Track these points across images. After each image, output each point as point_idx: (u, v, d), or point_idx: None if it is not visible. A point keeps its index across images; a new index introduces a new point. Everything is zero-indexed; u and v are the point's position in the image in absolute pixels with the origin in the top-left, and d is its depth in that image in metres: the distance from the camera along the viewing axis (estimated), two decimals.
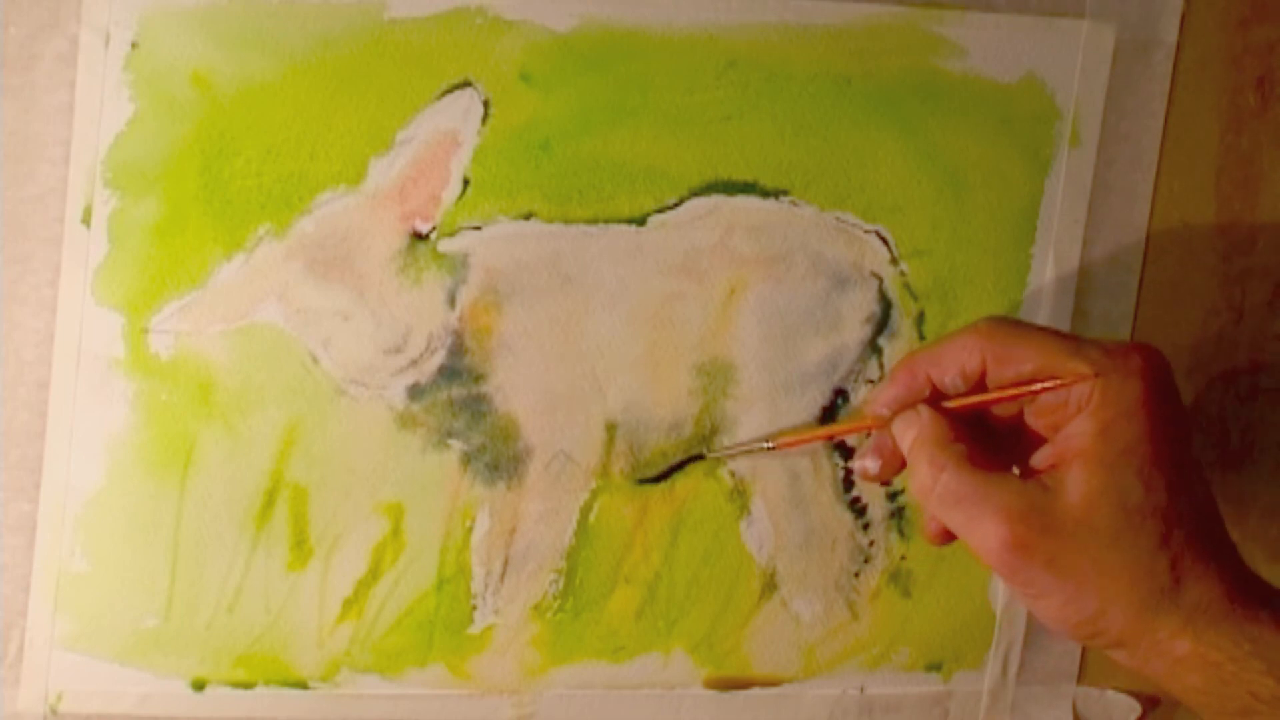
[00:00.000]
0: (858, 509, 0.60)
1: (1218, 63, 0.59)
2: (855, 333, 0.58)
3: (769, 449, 0.57)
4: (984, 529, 0.48)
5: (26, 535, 0.54)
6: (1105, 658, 0.62)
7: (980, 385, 0.51)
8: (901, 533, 0.60)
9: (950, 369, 0.51)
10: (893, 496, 0.60)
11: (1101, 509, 0.47)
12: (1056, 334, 0.50)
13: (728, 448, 0.58)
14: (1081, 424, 0.48)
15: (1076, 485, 0.48)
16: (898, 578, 0.60)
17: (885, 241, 0.58)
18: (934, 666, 0.62)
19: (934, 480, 0.49)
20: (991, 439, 0.52)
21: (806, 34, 0.56)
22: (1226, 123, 0.59)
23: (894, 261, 0.58)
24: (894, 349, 0.58)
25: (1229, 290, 0.61)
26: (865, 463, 0.53)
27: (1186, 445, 0.49)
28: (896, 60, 0.56)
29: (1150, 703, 0.63)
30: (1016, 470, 0.51)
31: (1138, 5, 0.57)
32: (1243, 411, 0.62)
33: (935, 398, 0.52)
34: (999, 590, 0.61)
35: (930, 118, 0.57)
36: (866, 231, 0.58)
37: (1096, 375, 0.48)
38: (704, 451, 0.58)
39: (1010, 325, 0.51)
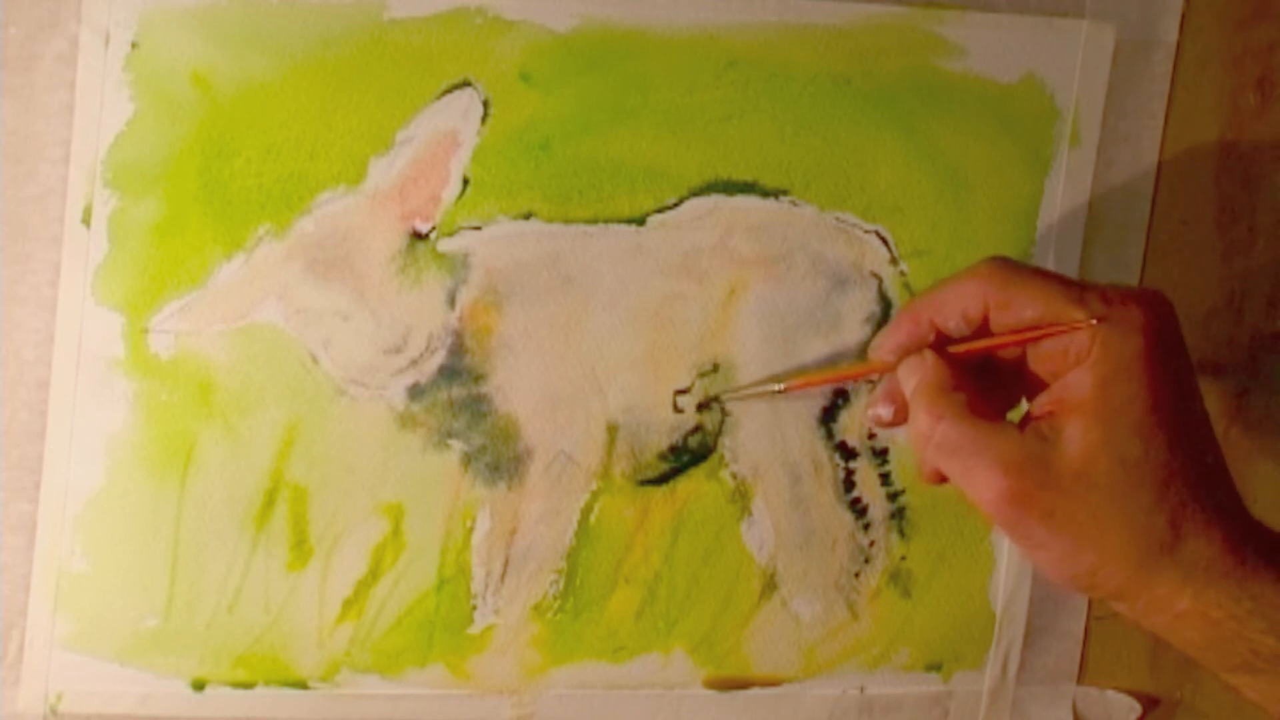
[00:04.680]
0: (858, 509, 0.60)
1: (1218, 63, 0.59)
2: (855, 333, 0.58)
3: (779, 390, 0.57)
4: (981, 480, 0.48)
5: (26, 535, 0.54)
6: (1105, 658, 0.62)
7: (984, 328, 0.51)
8: (901, 533, 0.60)
9: (952, 314, 0.51)
10: (893, 497, 0.60)
11: (1099, 464, 0.47)
12: (1059, 280, 0.50)
13: (738, 388, 0.57)
14: (1080, 376, 0.48)
15: (1074, 439, 0.47)
16: (898, 578, 0.60)
17: (885, 241, 0.58)
18: (934, 666, 0.62)
19: (931, 429, 0.49)
20: (995, 382, 0.51)
21: (806, 34, 0.56)
22: (1226, 123, 0.60)
23: (894, 261, 0.58)
24: None
25: (1229, 290, 0.61)
26: (878, 410, 0.53)
27: (1189, 398, 0.49)
28: (896, 60, 0.56)
29: (1150, 703, 0.63)
30: (1024, 406, 0.51)
31: (1138, 5, 0.57)
32: (1242, 411, 0.62)
33: (940, 341, 0.51)
34: (999, 590, 0.61)
35: (930, 118, 0.57)
36: (866, 231, 0.58)
37: (1098, 321, 0.47)
38: (719, 394, 0.57)
39: (1011, 269, 0.50)
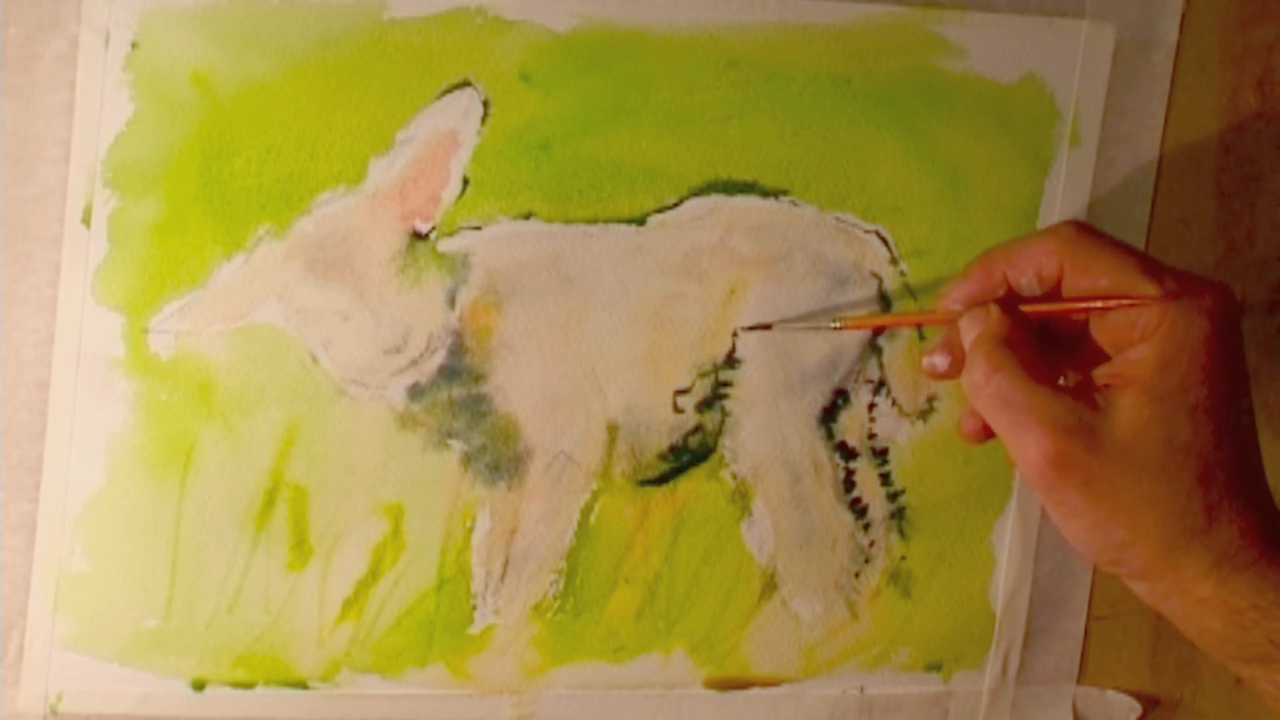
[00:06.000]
0: (858, 509, 0.60)
1: (1218, 63, 0.59)
2: (855, 333, 0.58)
3: (836, 328, 0.57)
4: (1028, 438, 0.48)
5: (26, 535, 0.54)
6: (1105, 658, 0.62)
7: (1055, 290, 0.51)
8: (901, 533, 0.60)
9: (1027, 270, 0.51)
10: (893, 497, 0.60)
11: (1147, 440, 0.47)
12: (1136, 253, 0.50)
13: (792, 319, 0.57)
14: (1143, 351, 0.48)
15: (1126, 412, 0.48)
16: (898, 578, 0.60)
17: (885, 241, 0.58)
18: (934, 666, 0.62)
19: (987, 379, 0.49)
20: (1055, 345, 0.52)
21: (806, 34, 0.56)
22: (1226, 123, 0.59)
23: (894, 261, 0.58)
24: (894, 349, 0.58)
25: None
26: (934, 359, 0.53)
27: (1242, 391, 0.49)
28: (896, 60, 0.56)
29: (1150, 703, 0.63)
30: (1072, 377, 0.51)
31: (1138, 5, 0.57)
32: None
33: (1009, 297, 0.51)
34: (999, 590, 0.61)
35: (930, 118, 0.57)
36: (866, 231, 0.58)
37: (1169, 299, 0.48)
38: (772, 323, 0.57)
39: (1092, 235, 0.50)
